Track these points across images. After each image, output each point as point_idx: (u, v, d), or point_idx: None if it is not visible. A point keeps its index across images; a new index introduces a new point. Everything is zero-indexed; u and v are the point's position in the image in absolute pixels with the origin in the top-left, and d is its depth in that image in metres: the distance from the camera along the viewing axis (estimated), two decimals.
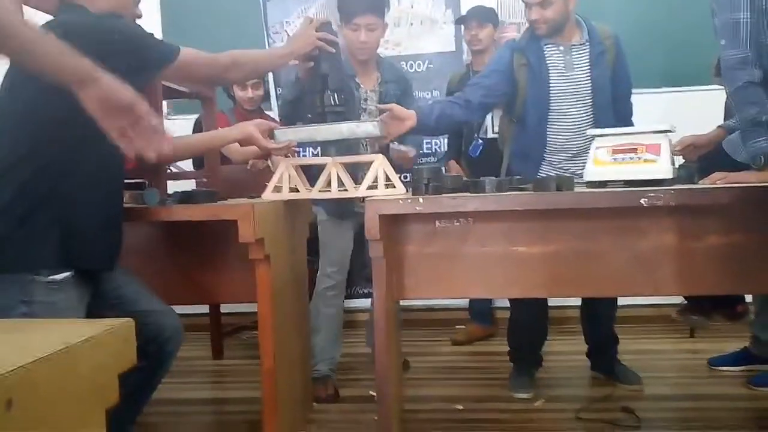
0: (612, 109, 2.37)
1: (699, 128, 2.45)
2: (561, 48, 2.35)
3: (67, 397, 1.03)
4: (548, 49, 2.36)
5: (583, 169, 2.04)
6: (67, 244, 1.39)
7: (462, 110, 2.34)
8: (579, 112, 2.36)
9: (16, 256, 1.34)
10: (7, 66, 1.43)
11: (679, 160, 2.26)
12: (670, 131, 1.87)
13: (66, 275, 1.41)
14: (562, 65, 2.35)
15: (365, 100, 2.62)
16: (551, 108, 2.35)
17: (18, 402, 0.90)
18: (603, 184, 1.88)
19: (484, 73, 2.50)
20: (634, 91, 2.50)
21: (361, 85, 2.63)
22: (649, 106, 3.11)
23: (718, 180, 1.77)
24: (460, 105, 2.35)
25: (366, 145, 2.44)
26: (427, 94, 3.65)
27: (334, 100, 1.94)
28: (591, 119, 2.35)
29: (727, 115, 2.55)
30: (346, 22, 2.52)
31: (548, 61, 2.35)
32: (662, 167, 1.79)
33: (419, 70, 3.68)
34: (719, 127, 2.44)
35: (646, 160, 1.81)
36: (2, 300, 1.32)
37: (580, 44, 2.36)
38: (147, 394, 1.75)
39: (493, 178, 1.92)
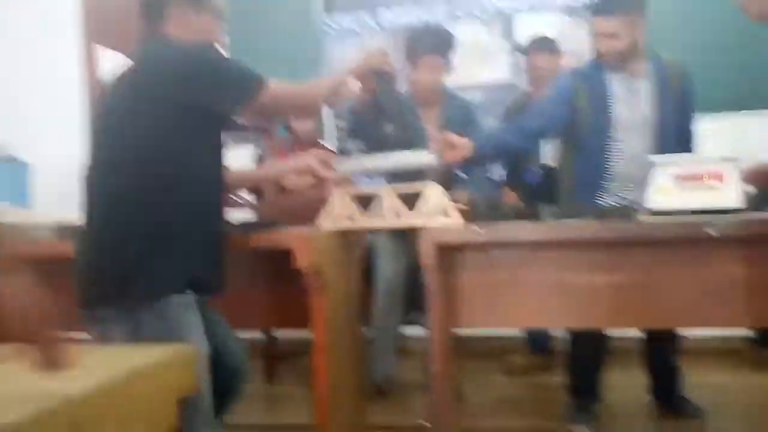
0: (675, 142, 2.31)
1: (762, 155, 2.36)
2: (625, 77, 2.32)
3: (130, 421, 1.06)
4: (611, 78, 2.33)
5: (643, 199, 1.98)
6: (187, 268, 1.46)
7: (517, 136, 2.33)
8: (641, 141, 2.31)
9: (148, 286, 1.41)
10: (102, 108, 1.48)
11: (751, 189, 2.17)
12: (735, 159, 1.80)
13: (192, 295, 1.49)
14: (625, 93, 2.31)
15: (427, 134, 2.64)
16: (613, 136, 2.31)
17: (85, 427, 0.92)
18: (667, 213, 1.83)
19: (542, 101, 2.49)
20: (704, 114, 2.43)
21: (424, 122, 2.65)
22: (716, 132, 3.02)
23: None
24: (514, 132, 2.34)
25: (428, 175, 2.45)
26: (483, 123, 3.64)
27: (391, 131, 1.95)
28: (653, 149, 2.29)
29: None
30: (412, 63, 2.54)
31: (611, 89, 2.32)
32: (731, 195, 1.73)
33: (473, 100, 3.67)
34: None
35: (712, 188, 1.74)
36: (150, 329, 1.38)
37: (645, 75, 2.32)
38: None
39: (553, 206, 1.89)
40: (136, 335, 1.37)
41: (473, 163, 2.30)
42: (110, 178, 1.44)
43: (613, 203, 2.29)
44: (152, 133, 1.43)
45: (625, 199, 2.31)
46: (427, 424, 1.91)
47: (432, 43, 2.56)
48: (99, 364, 1.12)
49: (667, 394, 2.54)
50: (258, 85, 1.54)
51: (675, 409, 2.49)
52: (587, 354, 2.49)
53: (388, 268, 2.81)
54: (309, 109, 1.81)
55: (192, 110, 1.47)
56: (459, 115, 2.71)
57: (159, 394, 1.15)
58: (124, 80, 1.48)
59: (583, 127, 2.35)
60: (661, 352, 2.53)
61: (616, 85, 2.32)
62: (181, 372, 1.24)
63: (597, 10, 2.28)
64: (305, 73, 3.63)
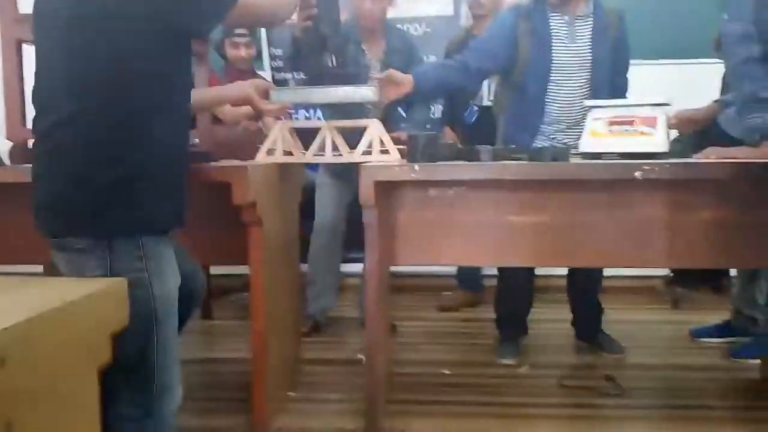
0: (609, 83, 2.36)
1: (696, 102, 2.45)
2: (566, 18, 2.33)
3: (61, 355, 1.04)
4: (553, 18, 2.33)
5: (577, 141, 2.05)
6: (165, 206, 1.39)
7: (460, 75, 2.32)
8: (577, 84, 2.35)
9: (131, 219, 1.33)
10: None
11: (674, 134, 2.26)
12: (666, 105, 1.87)
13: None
14: (566, 36, 2.33)
15: (369, 68, 2.60)
16: (551, 78, 2.33)
17: (12, 359, 0.90)
18: (598, 155, 1.89)
19: (484, 38, 2.47)
20: (632, 62, 2.48)
21: (367, 54, 2.61)
22: (647, 78, 3.09)
23: (711, 155, 1.78)
24: (458, 69, 2.32)
25: (369, 111, 2.43)
26: (424, 57, 3.61)
27: (333, 62, 1.91)
28: (588, 92, 2.34)
29: (725, 89, 2.55)
30: None
31: (552, 31, 2.32)
32: (658, 141, 1.79)
33: (416, 33, 3.64)
34: (716, 101, 2.44)
35: (642, 133, 1.81)
36: (123, 258, 1.32)
37: (585, 16, 2.34)
38: None
39: (489, 146, 1.92)
40: (111, 267, 1.32)
41: (414, 99, 2.29)
42: (84, 100, 1.30)
43: (548, 145, 2.34)
44: (130, 54, 1.30)
45: (559, 141, 2.37)
46: (362, 357, 1.96)
47: None
48: (30, 297, 1.09)
49: (589, 329, 2.69)
50: None
51: (597, 344, 2.65)
52: (514, 290, 2.59)
53: (329, 205, 2.83)
54: (276, 19, 1.69)
55: (170, 29, 1.35)
56: (401, 49, 2.68)
57: (91, 327, 1.12)
58: None
59: (523, 67, 2.36)
60: (583, 290, 2.67)
61: (557, 25, 2.33)
62: (113, 305, 1.21)
63: None
64: None
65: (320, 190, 2.86)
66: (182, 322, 1.67)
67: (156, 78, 1.35)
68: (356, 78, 2.28)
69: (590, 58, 2.33)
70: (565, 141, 2.35)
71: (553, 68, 2.32)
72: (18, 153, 1.99)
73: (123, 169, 1.32)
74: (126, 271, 1.30)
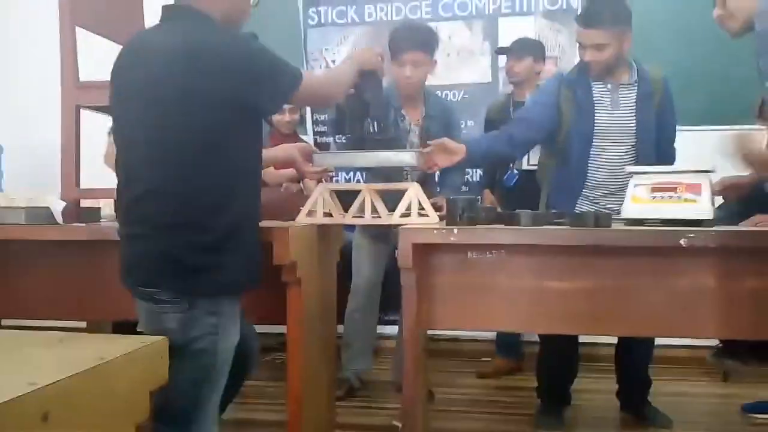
0: (655, 151, 2.35)
1: (740, 169, 2.41)
2: (609, 86, 2.35)
3: (100, 412, 1.05)
4: (596, 87, 2.36)
5: (620, 206, 2.03)
6: (244, 269, 1.50)
7: (507, 146, 2.36)
8: (622, 151, 2.35)
9: (217, 282, 1.45)
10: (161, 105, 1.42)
11: (719, 200, 2.21)
12: (711, 171, 1.84)
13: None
14: (609, 103, 2.35)
15: (408, 132, 2.68)
16: (594, 144, 2.34)
17: (54, 415, 0.91)
18: (641, 222, 1.86)
19: (528, 107, 2.51)
20: (685, 125, 2.47)
21: (406, 118, 2.68)
22: (690, 143, 3.06)
23: (760, 222, 1.74)
24: (504, 141, 2.35)
25: (408, 174, 2.47)
26: (462, 123, 3.66)
27: (374, 127, 1.96)
28: (633, 159, 2.34)
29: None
30: (394, 58, 2.57)
31: (595, 98, 2.35)
32: (703, 207, 1.76)
33: (455, 99, 3.70)
34: None
35: (686, 200, 1.78)
36: (201, 315, 1.42)
37: (629, 84, 2.36)
38: (222, 409, 1.74)
39: (529, 211, 1.91)
40: (189, 321, 1.41)
41: (463, 167, 2.32)
42: (168, 174, 1.42)
43: (590, 210, 2.32)
44: (210, 130, 1.41)
45: (603, 206, 2.35)
46: (399, 424, 1.92)
47: (416, 40, 2.59)
48: (72, 354, 1.11)
49: (635, 402, 2.58)
50: (300, 79, 1.54)
51: (643, 417, 2.54)
52: (557, 358, 2.52)
53: (367, 266, 2.83)
54: (332, 101, 1.82)
55: (246, 109, 1.47)
56: (439, 115, 2.74)
57: (131, 385, 1.14)
58: (167, 62, 1.41)
59: (566, 133, 2.38)
60: (631, 361, 2.57)
61: (600, 93, 2.35)
62: (154, 363, 1.23)
63: (584, 22, 2.28)
64: None
65: (357, 251, 2.87)
66: (240, 380, 1.72)
67: (233, 150, 1.46)
68: (396, 142, 2.33)
69: (634, 124, 2.33)
70: (609, 206, 2.33)
71: (596, 134, 2.34)
72: (71, 212, 2.07)
73: (209, 236, 1.42)
74: (200, 326, 1.41)
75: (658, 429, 2.47)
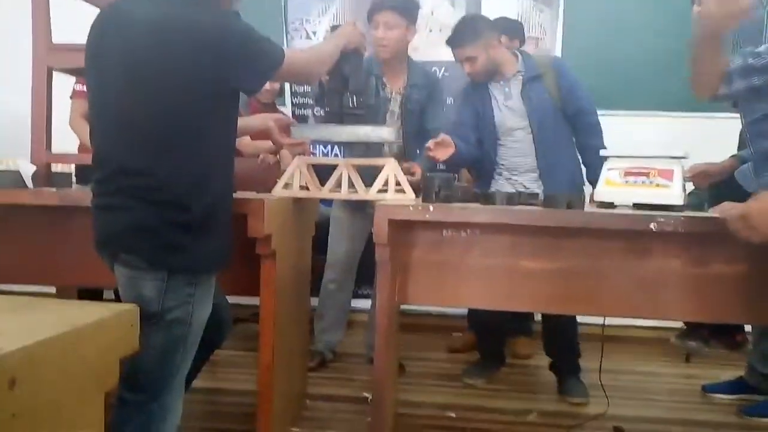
0: (559, 129, 2.60)
1: (713, 156, 2.45)
2: (501, 82, 2.64)
3: (68, 378, 1.05)
4: (490, 85, 2.65)
5: (534, 184, 2.55)
6: (219, 248, 1.51)
7: (475, 149, 2.66)
8: (521, 135, 2.61)
9: (196, 260, 1.46)
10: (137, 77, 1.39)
11: (690, 187, 2.26)
12: (684, 157, 1.87)
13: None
14: (502, 96, 2.63)
15: (390, 101, 2.69)
16: (499, 134, 2.65)
17: (21, 381, 0.91)
18: (612, 205, 1.89)
19: (464, 115, 2.72)
20: (649, 113, 2.52)
21: (387, 86, 2.69)
22: (665, 129, 3.12)
23: (727, 210, 1.77)
24: (472, 145, 2.64)
25: (387, 149, 2.49)
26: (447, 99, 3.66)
27: (353, 102, 1.95)
28: (531, 137, 2.60)
29: (741, 144, 2.55)
30: (369, 20, 2.57)
31: (492, 94, 2.65)
32: (674, 193, 1.79)
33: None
34: (732, 156, 2.44)
35: (658, 185, 1.81)
36: (178, 285, 1.44)
37: (515, 74, 2.62)
38: (191, 377, 1.76)
39: (504, 191, 1.93)
40: (166, 289, 1.42)
41: (450, 164, 2.50)
42: (145, 153, 1.41)
43: (506, 187, 2.61)
44: (190, 111, 1.41)
45: (519, 183, 2.63)
46: (369, 396, 1.94)
47: (390, 1, 2.58)
48: (41, 319, 1.10)
49: (562, 373, 2.72)
50: (282, 58, 1.53)
51: (564, 388, 2.67)
52: (488, 314, 2.67)
53: (344, 239, 2.84)
54: (314, 78, 1.81)
55: (229, 89, 1.47)
56: (423, 84, 2.75)
57: (100, 352, 1.13)
58: (146, 38, 1.38)
59: (481, 131, 2.68)
60: (557, 334, 2.72)
61: (494, 88, 2.65)
62: (123, 331, 1.23)
63: (451, 44, 2.59)
64: (267, 34, 3.56)
65: (335, 224, 2.87)
66: (210, 351, 1.74)
67: (212, 129, 1.46)
68: (375, 117, 2.32)
69: (525, 110, 2.58)
70: (525, 184, 2.61)
71: (497, 125, 2.64)
72: (41, 176, 2.04)
73: (187, 215, 1.42)
74: (177, 296, 1.43)
75: (572, 399, 2.58)
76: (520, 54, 2.68)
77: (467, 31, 2.56)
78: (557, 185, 2.48)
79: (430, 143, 2.35)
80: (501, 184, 2.66)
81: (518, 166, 2.65)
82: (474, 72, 2.60)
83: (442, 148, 2.37)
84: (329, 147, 3.76)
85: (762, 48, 1.68)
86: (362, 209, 2.73)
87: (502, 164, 2.67)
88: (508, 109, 2.62)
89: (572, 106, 2.60)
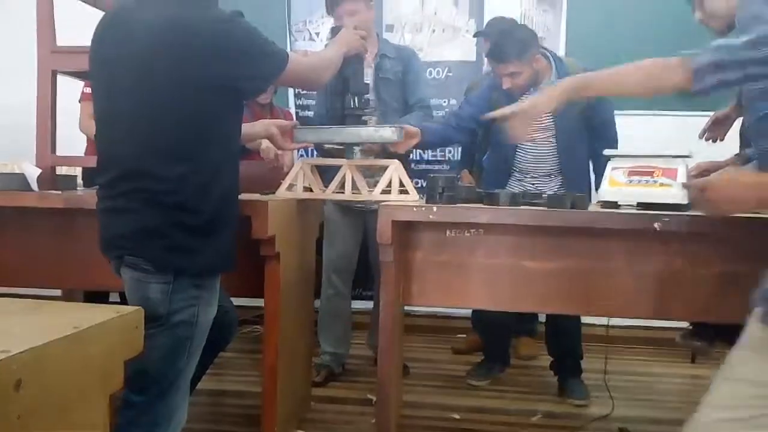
0: (580, 138, 2.55)
1: (716, 155, 2.44)
2: (531, 89, 2.49)
3: (73, 381, 1.05)
4: None
5: (548, 188, 2.47)
6: (224, 252, 1.52)
7: (457, 133, 2.53)
8: (543, 142, 2.54)
9: (202, 262, 1.47)
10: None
11: None
12: (687, 156, 1.87)
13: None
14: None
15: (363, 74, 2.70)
16: (519, 143, 2.55)
17: (27, 383, 0.91)
18: (616, 204, 1.88)
19: (470, 101, 2.62)
20: (653, 112, 2.51)
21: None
22: (668, 128, 3.10)
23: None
24: (454, 128, 2.51)
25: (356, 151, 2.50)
26: (444, 101, 3.66)
27: (355, 103, 1.95)
28: (554, 146, 2.53)
29: (743, 143, 2.54)
30: (330, 13, 2.64)
31: (519, 99, 2.52)
32: (678, 192, 1.79)
33: (438, 77, 3.69)
34: (737, 155, 2.43)
35: (661, 184, 1.80)
36: (183, 288, 1.45)
37: (548, 83, 2.48)
38: (196, 379, 1.76)
39: (508, 190, 1.93)
40: (172, 291, 1.43)
41: (420, 148, 2.50)
42: (156, 150, 1.41)
43: (520, 188, 2.56)
44: (196, 116, 1.42)
45: (534, 187, 2.58)
46: (372, 398, 1.94)
47: None
48: (46, 322, 1.10)
49: (564, 374, 2.71)
50: (285, 63, 1.53)
51: (564, 389, 2.66)
52: (494, 316, 2.66)
53: (335, 243, 2.81)
54: (317, 85, 1.83)
55: (230, 89, 1.47)
56: (396, 56, 2.74)
57: (105, 354, 1.13)
58: (151, 41, 1.38)
59: (496, 132, 2.53)
60: (561, 335, 2.70)
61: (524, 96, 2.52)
62: (128, 334, 1.23)
63: (494, 59, 2.47)
64: (271, 36, 3.56)
65: (328, 227, 2.80)
66: (215, 353, 1.76)
67: (218, 132, 1.47)
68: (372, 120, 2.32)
69: (552, 119, 2.49)
70: (539, 188, 2.56)
71: None
72: (46, 179, 2.04)
73: (196, 218, 1.43)
74: (183, 298, 1.44)
75: (573, 400, 2.58)
76: (552, 58, 2.56)
77: (514, 46, 2.42)
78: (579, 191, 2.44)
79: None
80: (513, 187, 2.62)
81: (534, 169, 2.60)
82: (515, 86, 2.46)
83: (405, 138, 2.21)
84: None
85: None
86: (354, 210, 2.72)
87: (517, 167, 2.62)
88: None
89: (599, 117, 2.55)
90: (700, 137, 2.31)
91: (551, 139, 2.55)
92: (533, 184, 2.61)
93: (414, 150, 2.71)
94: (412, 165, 2.98)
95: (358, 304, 3.24)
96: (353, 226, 2.79)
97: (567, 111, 2.45)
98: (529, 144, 2.56)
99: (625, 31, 3.43)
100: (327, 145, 2.18)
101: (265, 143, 2.15)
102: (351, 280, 2.88)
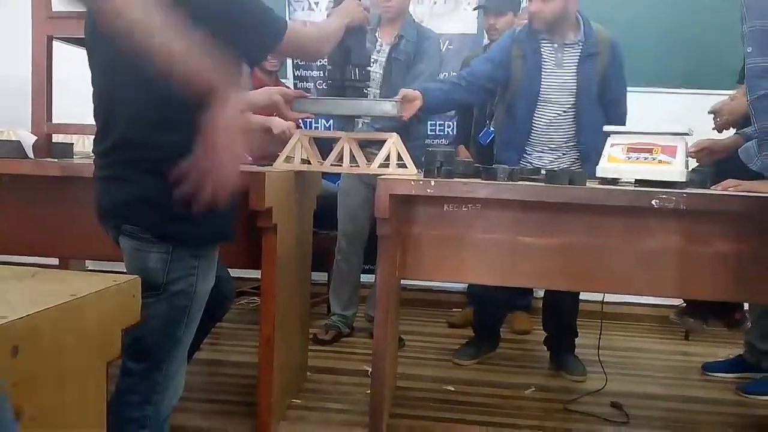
0: (599, 110, 2.45)
1: (716, 132, 2.44)
2: (555, 45, 2.44)
3: (71, 348, 1.05)
4: (544, 46, 2.45)
5: (559, 161, 2.39)
6: (223, 221, 1.49)
7: (462, 92, 2.44)
8: (562, 110, 2.46)
9: (201, 232, 1.44)
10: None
11: (693, 163, 2.24)
12: (687, 134, 1.86)
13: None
14: (554, 62, 2.44)
15: (378, 51, 2.75)
16: (539, 103, 2.45)
17: (23, 350, 0.91)
18: (614, 181, 1.88)
19: (485, 58, 2.56)
20: (653, 89, 2.49)
21: (379, 38, 2.75)
22: (668, 105, 3.08)
23: (730, 187, 1.77)
24: (460, 87, 2.43)
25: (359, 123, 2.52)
26: (444, 75, 3.62)
27: (355, 74, 1.93)
28: (573, 117, 2.45)
29: (746, 121, 2.53)
30: None
31: (543, 57, 2.44)
32: (676, 170, 1.79)
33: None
34: (737, 133, 2.42)
35: (660, 161, 1.80)
36: (183, 257, 1.43)
37: (573, 43, 2.43)
38: (194, 348, 1.78)
39: (506, 166, 1.92)
40: (171, 260, 1.42)
41: (426, 113, 2.40)
42: (152, 120, 1.39)
43: (534, 165, 2.46)
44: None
45: (545, 161, 2.49)
46: (368, 369, 1.96)
47: None
48: (44, 289, 1.10)
49: (559, 350, 2.73)
50: (284, 32, 1.50)
51: (561, 365, 2.68)
52: (486, 293, 2.69)
53: (349, 213, 2.91)
54: (318, 55, 1.79)
55: (234, 62, 1.42)
56: (413, 38, 2.74)
57: (102, 322, 1.14)
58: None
59: (514, 90, 2.48)
60: (558, 311, 2.71)
61: (547, 52, 2.45)
62: (126, 302, 1.23)
63: None
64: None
65: (342, 197, 2.93)
66: (212, 323, 1.77)
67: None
68: (367, 58, 2.28)
69: (575, 84, 2.42)
70: (550, 161, 2.49)
71: (541, 93, 2.45)
72: (42, 147, 2.03)
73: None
74: (182, 268, 1.43)
75: (571, 376, 2.60)
76: (582, 20, 2.43)
77: None
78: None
79: (396, 98, 2.19)
80: (528, 161, 2.52)
81: (550, 141, 2.50)
82: (541, 12, 2.32)
83: (406, 103, 2.18)
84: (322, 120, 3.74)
85: None
86: (368, 182, 2.74)
87: (533, 138, 2.51)
88: (558, 77, 2.44)
89: (611, 93, 2.47)
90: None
91: (571, 106, 2.47)
92: (547, 158, 2.52)
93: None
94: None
95: (370, 278, 3.26)
96: (366, 197, 2.82)
97: (589, 83, 2.41)
98: (545, 112, 2.48)
99: (624, 6, 3.37)
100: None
101: (279, 127, 2.15)
102: (362, 249, 2.99)
